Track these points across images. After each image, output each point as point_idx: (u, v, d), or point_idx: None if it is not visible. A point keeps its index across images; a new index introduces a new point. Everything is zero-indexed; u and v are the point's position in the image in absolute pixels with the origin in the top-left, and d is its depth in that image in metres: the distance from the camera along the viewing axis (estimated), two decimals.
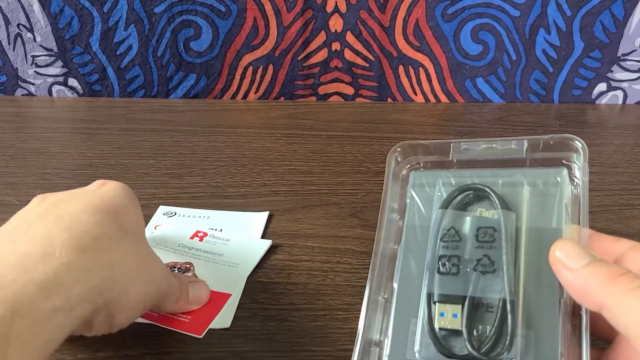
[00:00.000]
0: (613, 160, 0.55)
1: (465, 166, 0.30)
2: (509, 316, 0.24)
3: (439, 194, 0.29)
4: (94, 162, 0.55)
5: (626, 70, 0.69)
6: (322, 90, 0.73)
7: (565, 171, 0.27)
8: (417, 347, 0.26)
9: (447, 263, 0.26)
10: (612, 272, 0.22)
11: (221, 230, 0.43)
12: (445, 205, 0.28)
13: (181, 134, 0.61)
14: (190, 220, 0.45)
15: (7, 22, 0.68)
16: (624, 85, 0.70)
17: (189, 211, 0.46)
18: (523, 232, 0.27)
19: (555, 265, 0.24)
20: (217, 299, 0.36)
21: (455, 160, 0.30)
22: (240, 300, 0.37)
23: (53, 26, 0.68)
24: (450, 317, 0.25)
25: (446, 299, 0.26)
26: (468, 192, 0.28)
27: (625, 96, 0.71)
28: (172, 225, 0.44)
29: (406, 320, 0.27)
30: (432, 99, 0.72)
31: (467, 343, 0.25)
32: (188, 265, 0.39)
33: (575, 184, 0.27)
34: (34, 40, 0.69)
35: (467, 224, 0.27)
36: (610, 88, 0.70)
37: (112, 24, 0.68)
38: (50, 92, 0.72)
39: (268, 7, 0.68)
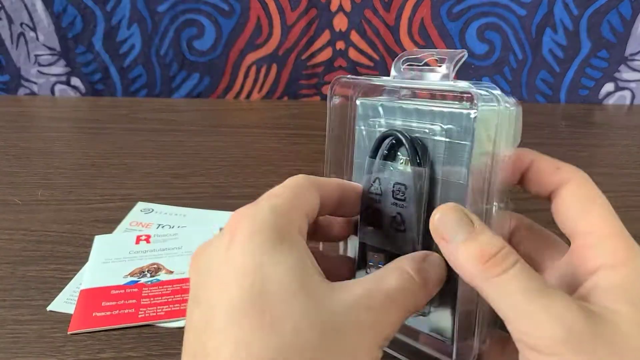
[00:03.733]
0: (620, 161, 0.54)
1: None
2: None
3: (380, 128, 0.27)
4: (96, 161, 0.54)
5: (634, 70, 0.68)
6: (326, 89, 0.73)
7: (475, 117, 0.24)
8: None
9: (372, 215, 0.27)
10: (483, 254, 0.20)
11: (171, 226, 0.43)
12: (373, 154, 0.27)
13: (184, 134, 0.61)
14: (167, 217, 0.45)
15: (11, 21, 0.67)
16: (632, 85, 0.69)
17: (166, 208, 0.46)
18: (439, 185, 0.25)
19: (433, 233, 0.22)
20: None
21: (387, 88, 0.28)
22: None
23: (56, 25, 0.67)
24: (378, 266, 0.26)
25: (374, 250, 0.27)
26: (390, 138, 0.27)
27: (633, 96, 0.70)
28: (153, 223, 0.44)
29: None
30: None
31: None
32: (156, 266, 0.38)
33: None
34: (37, 39, 0.68)
35: (386, 178, 0.27)
36: (618, 88, 0.69)
37: (115, 23, 0.67)
38: (53, 92, 0.72)
39: (272, 6, 0.67)
